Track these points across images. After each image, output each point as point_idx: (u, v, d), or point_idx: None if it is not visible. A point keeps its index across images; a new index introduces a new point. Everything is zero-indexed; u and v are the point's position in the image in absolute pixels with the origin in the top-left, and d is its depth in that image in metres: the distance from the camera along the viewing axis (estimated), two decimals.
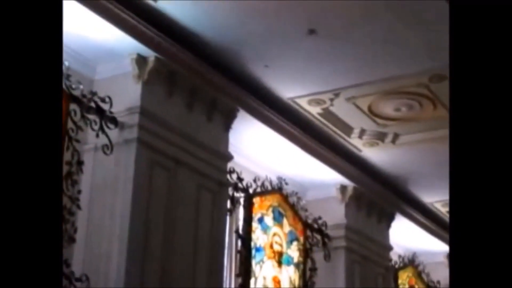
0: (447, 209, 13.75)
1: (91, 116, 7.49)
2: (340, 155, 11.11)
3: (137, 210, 7.77)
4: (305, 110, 10.01)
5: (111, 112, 7.62)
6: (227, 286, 9.42)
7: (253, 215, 9.94)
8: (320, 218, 11.22)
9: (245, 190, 9.73)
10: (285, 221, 10.62)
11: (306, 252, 10.91)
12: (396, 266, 13.26)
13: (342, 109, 10.03)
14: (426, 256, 14.21)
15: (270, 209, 10.34)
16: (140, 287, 7.68)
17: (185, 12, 7.89)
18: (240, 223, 9.77)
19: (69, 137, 7.09)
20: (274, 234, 10.38)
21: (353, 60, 8.86)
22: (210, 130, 8.92)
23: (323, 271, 11.16)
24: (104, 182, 7.90)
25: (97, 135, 7.57)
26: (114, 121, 7.67)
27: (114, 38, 7.76)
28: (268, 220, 10.28)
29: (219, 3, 7.71)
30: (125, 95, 7.99)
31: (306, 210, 11.05)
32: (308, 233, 11.03)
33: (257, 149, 10.43)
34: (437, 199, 13.40)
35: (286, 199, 10.65)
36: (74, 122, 7.19)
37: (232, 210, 9.48)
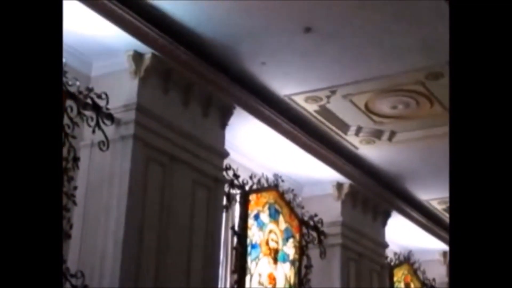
0: (443, 206, 13.77)
1: (88, 113, 7.50)
2: (337, 152, 11.11)
3: (132, 206, 7.78)
4: (301, 107, 10.01)
5: (107, 109, 7.63)
6: (223, 282, 9.43)
7: (249, 212, 9.94)
8: (316, 215, 11.22)
9: (241, 187, 9.73)
10: (281, 218, 10.63)
11: (302, 249, 10.91)
12: (392, 263, 13.27)
13: (338, 106, 10.03)
14: (421, 254, 14.23)
15: (266, 206, 10.35)
16: (135, 283, 7.69)
17: (182, 9, 7.89)
18: (236, 220, 9.77)
19: (65, 133, 7.09)
20: (270, 231, 10.38)
21: (350, 58, 8.86)
22: (206, 126, 8.92)
23: (319, 268, 11.17)
24: (100, 178, 7.90)
25: (93, 131, 7.58)
26: (110, 117, 7.67)
27: (110, 35, 7.76)
28: (264, 217, 10.29)
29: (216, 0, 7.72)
30: (121, 91, 7.99)
31: (302, 207, 11.06)
32: (304, 230, 11.03)
33: (254, 146, 10.44)
34: (433, 197, 13.40)
35: (282, 196, 10.66)
36: (70, 118, 7.19)
37: (228, 207, 9.49)
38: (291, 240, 10.76)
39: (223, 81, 8.95)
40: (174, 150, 8.37)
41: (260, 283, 10.04)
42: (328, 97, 9.76)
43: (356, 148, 11.22)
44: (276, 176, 10.48)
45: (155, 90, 8.26)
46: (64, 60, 6.95)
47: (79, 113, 7.34)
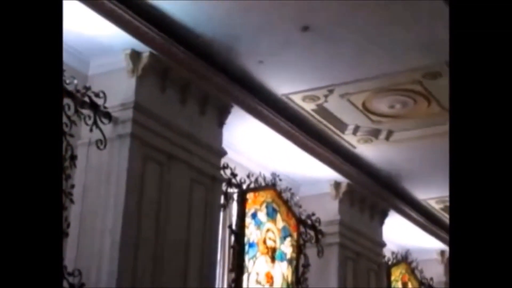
0: (440, 206, 13.78)
1: (85, 111, 7.51)
2: (334, 151, 11.12)
3: (130, 204, 7.78)
4: (299, 106, 10.01)
5: (105, 107, 7.63)
6: (220, 281, 9.43)
7: (247, 210, 9.95)
8: (313, 214, 11.23)
9: (238, 185, 9.74)
10: (278, 217, 10.64)
11: (299, 248, 10.92)
12: (389, 262, 13.27)
13: (336, 105, 10.03)
14: (419, 253, 14.21)
15: (264, 205, 10.36)
16: (132, 281, 7.69)
17: (180, 7, 7.89)
18: (234, 218, 9.79)
19: (63, 131, 7.09)
20: (268, 230, 10.39)
21: (347, 57, 8.87)
22: (204, 125, 8.93)
23: (316, 267, 11.18)
24: (97, 176, 7.91)
25: (91, 130, 7.59)
26: (108, 116, 7.68)
27: (108, 34, 7.77)
28: (262, 215, 10.30)
29: None
30: (119, 90, 8.00)
31: (299, 206, 11.07)
32: (302, 229, 11.04)
33: (251, 145, 10.44)
34: (431, 196, 13.40)
35: (279, 195, 10.67)
36: (68, 117, 7.19)
37: (226, 206, 9.50)
38: (288, 239, 10.77)
39: (221, 80, 8.96)
40: (171, 148, 8.38)
41: (258, 282, 10.05)
42: (325, 96, 9.77)
43: (354, 147, 11.23)
44: (273, 175, 10.49)
45: (152, 88, 8.27)
46: None
47: (76, 111, 7.34)
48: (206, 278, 8.65)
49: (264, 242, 10.31)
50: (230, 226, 9.66)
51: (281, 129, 10.10)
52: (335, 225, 11.61)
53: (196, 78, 8.70)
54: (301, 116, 10.24)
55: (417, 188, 12.98)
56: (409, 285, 13.89)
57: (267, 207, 10.41)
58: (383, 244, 12.86)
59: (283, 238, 10.69)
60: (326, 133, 10.76)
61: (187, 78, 8.62)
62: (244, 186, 9.85)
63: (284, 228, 10.72)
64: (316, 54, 8.78)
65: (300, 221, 11.02)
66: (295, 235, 10.89)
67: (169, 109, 8.43)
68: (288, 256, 10.73)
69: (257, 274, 10.07)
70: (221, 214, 9.35)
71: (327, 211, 11.55)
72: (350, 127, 10.67)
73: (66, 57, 7.21)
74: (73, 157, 7.28)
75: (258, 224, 10.21)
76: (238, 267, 9.63)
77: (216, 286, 9.12)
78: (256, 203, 10.19)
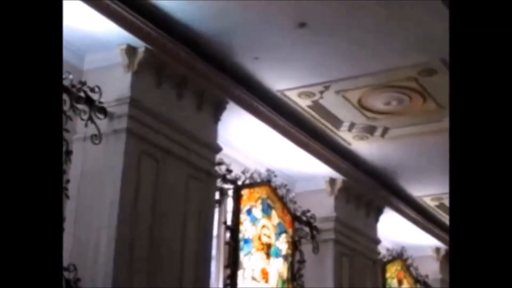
0: (436, 203, 13.80)
1: (80, 106, 7.51)
2: (330, 148, 11.13)
3: (125, 200, 7.78)
4: (294, 102, 10.02)
5: (100, 102, 7.63)
6: (215, 277, 9.44)
7: (242, 206, 9.96)
8: (308, 210, 11.25)
9: (233, 181, 9.75)
10: (273, 213, 10.65)
11: (294, 245, 10.94)
12: (385, 259, 13.30)
13: (331, 102, 10.04)
14: (414, 250, 14.24)
15: (259, 201, 10.36)
16: (128, 277, 7.69)
17: (176, 3, 7.89)
18: (229, 214, 9.78)
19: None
20: (263, 226, 10.40)
21: (343, 53, 8.88)
22: (199, 121, 8.93)
23: (312, 264, 11.19)
24: (92, 172, 7.90)
25: (86, 125, 7.59)
26: (103, 111, 7.68)
27: (104, 29, 7.76)
28: (257, 212, 10.31)
29: None
30: (114, 85, 7.99)
31: (295, 203, 11.08)
32: (297, 225, 11.06)
33: (246, 141, 10.44)
34: (426, 193, 13.42)
35: (275, 191, 10.68)
36: (63, 112, 7.18)
37: (221, 202, 9.51)
38: (283, 235, 10.78)
39: (217, 76, 8.96)
40: (167, 144, 8.38)
41: (253, 278, 10.06)
42: (321, 92, 9.77)
43: (349, 143, 11.24)
44: (269, 171, 10.49)
45: (148, 84, 8.27)
46: None
47: (72, 106, 7.34)
48: (201, 274, 8.65)
49: (259, 238, 10.31)
50: (225, 222, 9.67)
51: (276, 125, 10.11)
52: (330, 221, 11.62)
53: (191, 74, 8.69)
54: (296, 112, 10.24)
55: (413, 185, 12.99)
56: (404, 282, 13.90)
57: (262, 203, 10.41)
58: (378, 241, 12.86)
59: (279, 234, 10.69)
60: (321, 130, 10.77)
61: (183, 74, 8.62)
62: (239, 182, 9.86)
63: (279, 224, 10.73)
64: (312, 50, 8.78)
65: (295, 218, 11.03)
66: (290, 231, 10.90)
67: (164, 105, 8.43)
68: (284, 252, 10.73)
69: (252, 270, 10.08)
70: (216, 210, 9.35)
71: (323, 207, 11.56)
72: (346, 124, 10.68)
73: None
74: (68, 152, 7.29)
75: (253, 220, 10.21)
76: (233, 263, 9.63)
77: (211, 282, 9.12)
78: (251, 199, 10.19)
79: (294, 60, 9.00)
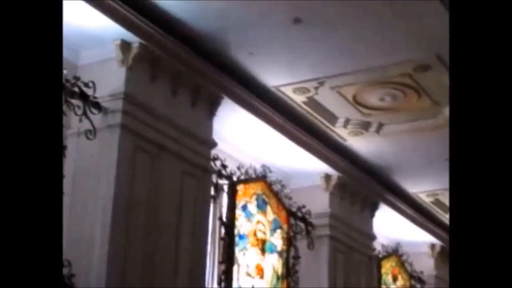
0: (431, 199, 13.82)
1: (75, 101, 7.51)
2: (325, 144, 11.13)
3: (120, 195, 7.78)
4: (289, 98, 10.02)
5: (94, 97, 7.64)
6: (210, 273, 9.43)
7: (237, 202, 9.96)
8: (304, 206, 11.26)
9: (229, 177, 9.75)
10: (268, 209, 10.65)
11: (289, 240, 10.94)
12: (380, 255, 13.30)
13: (326, 98, 10.04)
14: (409, 246, 14.25)
15: (254, 197, 10.37)
16: (122, 272, 7.69)
17: None
18: (224, 210, 9.78)
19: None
20: (258, 222, 10.40)
21: (338, 49, 8.88)
22: (194, 116, 8.92)
23: (307, 260, 11.20)
24: (87, 167, 7.90)
25: (80, 120, 7.59)
26: (97, 106, 7.68)
27: (98, 24, 7.75)
28: (252, 207, 10.31)
29: None
30: (109, 80, 7.99)
31: (290, 198, 11.09)
32: (292, 221, 11.06)
33: (241, 137, 10.43)
34: (421, 189, 13.44)
35: (270, 187, 10.68)
36: None
37: (216, 197, 9.51)
38: (278, 231, 10.79)
39: (211, 71, 8.96)
40: (161, 139, 8.37)
41: (248, 274, 10.07)
42: (316, 88, 9.77)
43: (344, 139, 11.24)
44: (264, 167, 10.49)
45: (142, 79, 8.26)
46: None
47: (66, 101, 7.34)
48: (196, 269, 8.66)
49: (255, 234, 10.32)
50: (220, 218, 9.67)
51: (271, 121, 10.10)
52: (325, 217, 11.62)
53: (186, 69, 8.69)
54: (291, 108, 10.24)
55: (408, 181, 13.00)
56: (399, 278, 13.92)
57: (257, 199, 10.42)
58: (373, 237, 12.88)
59: (274, 230, 10.70)
60: (316, 126, 10.77)
61: (178, 69, 8.62)
62: (235, 178, 9.86)
63: (274, 220, 10.73)
64: (307, 46, 8.78)
65: (290, 213, 11.04)
66: (285, 227, 10.91)
67: (159, 100, 8.43)
68: (279, 248, 10.74)
69: (247, 266, 10.09)
70: (211, 205, 9.35)
71: (318, 203, 11.56)
72: (341, 120, 10.68)
73: None
74: (63, 148, 7.27)
75: (248, 216, 10.22)
76: (228, 259, 9.63)
77: (206, 277, 9.13)
78: (246, 195, 10.20)
79: (289, 56, 9.00)
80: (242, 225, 10.04)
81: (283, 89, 9.80)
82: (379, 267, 13.23)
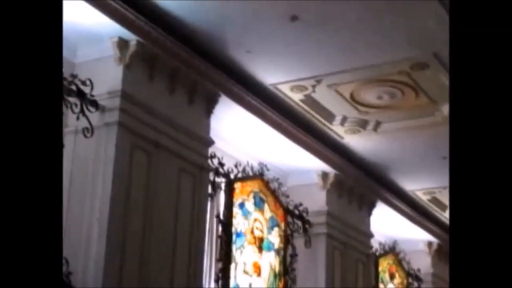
0: (428, 197, 13.83)
1: (72, 99, 7.50)
2: (322, 141, 11.13)
3: (117, 193, 7.78)
4: (287, 96, 10.01)
5: (92, 95, 7.62)
6: (207, 271, 9.42)
7: (234, 200, 9.97)
8: (301, 204, 11.26)
9: (226, 175, 9.75)
10: (266, 206, 10.66)
11: (286, 238, 10.95)
12: (377, 253, 13.32)
13: (324, 96, 10.04)
14: (407, 244, 14.27)
15: (251, 195, 10.38)
16: (120, 270, 7.69)
17: None
18: (221, 208, 9.78)
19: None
20: (255, 220, 10.41)
21: (336, 47, 8.87)
22: (192, 114, 8.92)
23: (304, 258, 11.21)
24: (84, 165, 7.89)
25: (78, 118, 7.58)
26: (94, 104, 7.67)
27: (95, 22, 7.74)
28: (249, 205, 10.32)
29: None
30: (106, 78, 7.98)
31: (287, 196, 11.09)
32: (289, 219, 11.07)
33: (239, 135, 10.43)
34: (418, 187, 13.44)
35: (267, 185, 10.68)
36: None
37: (213, 195, 9.50)
38: (276, 229, 10.80)
39: (209, 69, 8.95)
40: (159, 137, 8.37)
41: (245, 272, 10.07)
42: (313, 86, 9.77)
43: (342, 137, 11.24)
44: (261, 164, 10.50)
45: (140, 77, 8.25)
46: None
47: (63, 99, 7.31)
48: (193, 267, 8.65)
49: (252, 232, 10.32)
50: (217, 216, 9.66)
51: (268, 119, 10.10)
52: (322, 215, 11.63)
53: (183, 67, 8.68)
54: (289, 106, 10.24)
55: (405, 179, 13.01)
56: (396, 276, 13.95)
57: (254, 197, 10.43)
58: (370, 235, 12.89)
59: (271, 228, 10.71)
60: (314, 124, 10.77)
61: (175, 67, 8.61)
62: (232, 176, 9.87)
63: (271, 218, 10.74)
64: (304, 44, 8.77)
65: (287, 211, 11.04)
66: (282, 225, 10.92)
67: (156, 98, 8.42)
68: (276, 246, 10.75)
69: (245, 264, 10.10)
70: (209, 203, 9.33)
71: (315, 201, 11.57)
72: (338, 118, 10.68)
73: None
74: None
75: (246, 214, 10.22)
76: (225, 257, 9.63)
77: (204, 275, 9.12)
78: (243, 193, 10.21)
79: (286, 53, 8.99)
80: (239, 223, 10.05)
81: (280, 87, 9.80)
82: (376, 265, 13.25)
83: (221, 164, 9.58)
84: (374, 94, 10.04)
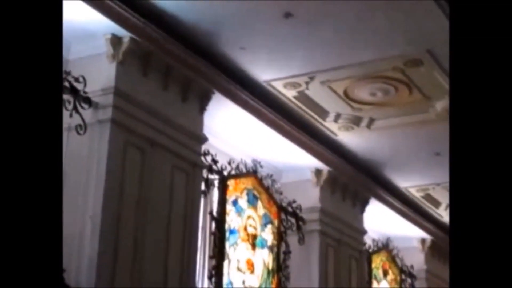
0: (421, 194, 13.85)
1: (65, 96, 7.44)
2: (315, 138, 11.13)
3: (110, 190, 7.76)
4: (280, 93, 10.01)
5: (85, 92, 7.59)
6: (201, 268, 9.42)
7: (228, 197, 9.97)
8: (294, 201, 11.26)
9: (219, 172, 9.74)
10: (259, 203, 10.65)
11: (280, 235, 10.95)
12: (370, 250, 13.34)
13: (317, 92, 10.04)
14: (400, 241, 14.30)
15: (245, 192, 10.37)
16: (113, 266, 7.68)
17: None
18: (214, 205, 9.78)
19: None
20: (249, 217, 10.41)
21: (329, 44, 8.87)
22: (185, 111, 8.91)
23: (297, 254, 11.21)
24: (77, 162, 7.86)
25: (71, 115, 7.53)
26: (88, 101, 7.64)
27: (88, 18, 7.72)
28: (243, 202, 10.31)
29: None
30: (99, 75, 7.96)
31: (280, 193, 11.09)
32: (283, 216, 11.07)
33: (232, 132, 10.43)
34: (412, 184, 13.46)
35: (260, 182, 10.68)
36: None
37: (206, 192, 9.49)
38: (269, 226, 10.79)
39: (202, 66, 8.93)
40: (152, 134, 8.36)
41: (238, 269, 10.07)
42: (307, 83, 9.77)
43: (335, 134, 11.24)
44: (254, 161, 10.50)
45: (133, 74, 8.24)
46: None
47: None
48: (187, 264, 8.64)
49: (245, 229, 10.32)
50: (211, 213, 9.66)
51: (262, 115, 10.09)
52: (316, 212, 11.64)
53: (177, 64, 8.67)
54: (282, 103, 10.23)
55: (398, 176, 13.02)
56: (390, 272, 13.97)
57: (248, 194, 10.42)
58: (364, 232, 12.91)
59: (264, 225, 10.71)
60: (307, 120, 10.77)
61: (168, 64, 8.60)
62: (225, 173, 9.86)
63: (265, 215, 10.74)
64: (298, 41, 8.77)
65: (281, 208, 11.04)
66: (276, 222, 10.92)
67: (150, 95, 8.40)
68: (269, 243, 10.75)
69: (238, 261, 10.09)
70: (202, 200, 9.33)
71: (308, 198, 11.57)
72: (332, 115, 10.68)
73: None
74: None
75: (239, 211, 10.22)
76: (219, 254, 9.63)
77: (197, 272, 9.12)
78: (237, 190, 10.20)
79: (280, 50, 8.98)
80: (232, 220, 10.04)
81: (274, 83, 9.79)
82: (369, 262, 13.28)
83: (214, 161, 9.57)
84: (367, 91, 10.04)
